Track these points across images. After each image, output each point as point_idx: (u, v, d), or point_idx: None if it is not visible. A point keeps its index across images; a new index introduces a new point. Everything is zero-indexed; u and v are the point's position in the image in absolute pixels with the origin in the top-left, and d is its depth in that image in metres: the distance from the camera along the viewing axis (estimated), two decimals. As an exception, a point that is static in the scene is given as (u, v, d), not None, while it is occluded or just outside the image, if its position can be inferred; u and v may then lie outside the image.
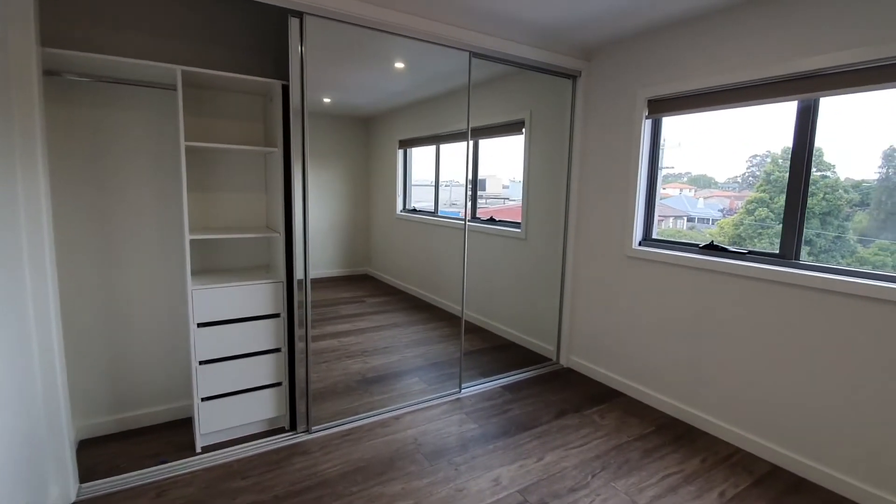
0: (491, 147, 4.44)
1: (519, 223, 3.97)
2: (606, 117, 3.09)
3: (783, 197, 2.34)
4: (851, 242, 2.24)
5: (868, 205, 2.17)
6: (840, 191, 2.26)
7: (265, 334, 2.44)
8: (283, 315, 2.48)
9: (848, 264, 2.19)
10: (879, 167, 2.12)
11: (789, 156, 2.32)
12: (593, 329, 3.30)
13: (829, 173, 2.27)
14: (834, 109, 2.21)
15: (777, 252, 2.36)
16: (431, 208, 5.36)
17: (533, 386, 3.19)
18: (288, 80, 2.27)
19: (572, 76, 3.24)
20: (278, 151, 2.40)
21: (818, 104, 2.18)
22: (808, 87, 2.16)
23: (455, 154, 5.06)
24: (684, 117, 2.77)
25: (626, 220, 3.00)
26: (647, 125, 2.87)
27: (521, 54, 2.88)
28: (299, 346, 2.46)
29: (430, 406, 2.88)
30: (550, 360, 3.60)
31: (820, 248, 2.31)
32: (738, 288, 2.43)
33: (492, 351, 3.82)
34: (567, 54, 3.06)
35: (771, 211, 2.50)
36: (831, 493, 2.11)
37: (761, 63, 2.29)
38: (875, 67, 1.95)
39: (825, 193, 2.28)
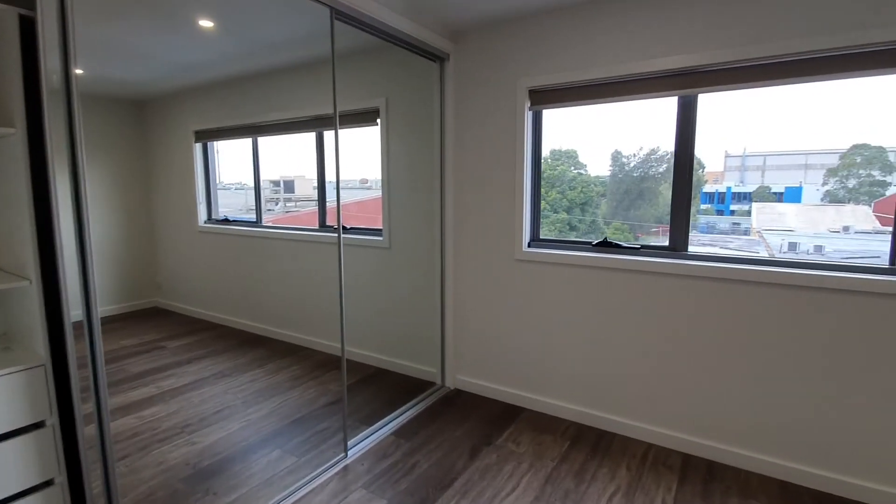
0: (309, 140, 3.71)
1: (379, 229, 3.39)
2: (484, 108, 2.78)
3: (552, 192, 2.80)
4: (601, 224, 2.78)
5: (605, 195, 2.80)
6: (591, 185, 2.79)
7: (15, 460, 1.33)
8: (52, 422, 1.40)
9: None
10: (610, 166, 2.72)
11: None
12: (483, 343, 2.98)
13: (583, 171, 2.85)
14: (591, 116, 2.63)
15: (667, 245, 2.41)
16: (249, 217, 4.28)
17: (427, 423, 2.69)
18: (34, 8, 1.25)
19: (439, 59, 2.82)
20: (18, 134, 1.32)
21: (696, 101, 2.26)
22: (685, 83, 2.21)
23: (276, 149, 4.14)
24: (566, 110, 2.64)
25: (513, 220, 2.75)
26: (529, 117, 2.66)
27: (386, 21, 2.32)
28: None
29: (313, 489, 2.12)
30: (434, 383, 3.15)
31: (582, 231, 2.84)
32: (635, 283, 2.41)
33: (363, 387, 3.17)
34: (434, 31, 2.63)
35: (548, 204, 2.90)
36: (742, 471, 2.23)
37: (643, 57, 2.27)
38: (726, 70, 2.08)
39: (582, 188, 2.82)
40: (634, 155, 2.63)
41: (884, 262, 1.96)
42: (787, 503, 2.00)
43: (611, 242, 2.54)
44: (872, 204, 2.15)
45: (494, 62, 2.71)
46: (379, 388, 3.15)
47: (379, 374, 3.36)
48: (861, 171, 2.13)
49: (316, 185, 3.90)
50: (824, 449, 2.05)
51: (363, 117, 3.32)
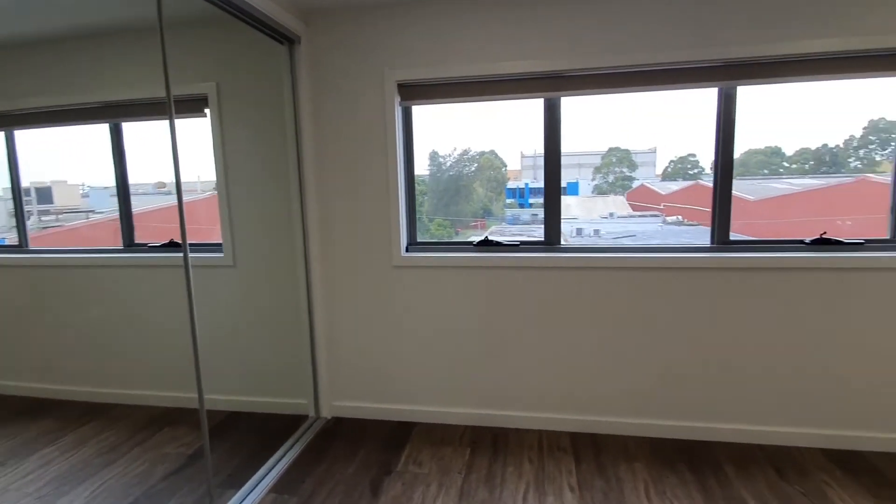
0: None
1: (216, 244, 2.78)
2: (348, 101, 2.48)
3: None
4: (425, 221, 2.82)
5: (427, 193, 2.87)
6: (416, 183, 2.76)
7: None
8: None
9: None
10: (428, 165, 2.80)
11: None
12: (363, 361, 2.70)
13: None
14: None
15: (543, 240, 2.53)
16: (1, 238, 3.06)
17: (312, 466, 2.31)
18: None
19: (289, 41, 2.42)
20: None
21: (560, 103, 2.41)
22: (551, 86, 2.34)
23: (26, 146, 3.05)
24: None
25: (388, 224, 2.54)
26: (399, 113, 2.48)
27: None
28: None
29: None
30: (307, 416, 2.74)
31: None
32: (516, 279, 2.47)
33: (218, 440, 2.57)
34: (281, 5, 2.23)
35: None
36: (619, 437, 2.47)
37: (514, 57, 2.32)
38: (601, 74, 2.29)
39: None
40: (449, 155, 2.75)
41: (677, 242, 2.42)
42: (659, 458, 2.29)
43: (491, 241, 2.56)
44: (625, 194, 2.61)
45: (359, 50, 2.44)
46: (239, 437, 2.59)
47: (234, 420, 2.77)
48: (616, 169, 2.58)
49: (85, 191, 3.07)
50: (677, 403, 2.42)
51: (184, 106, 2.67)
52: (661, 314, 2.37)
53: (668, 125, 2.49)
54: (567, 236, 2.63)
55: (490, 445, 2.45)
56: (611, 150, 2.74)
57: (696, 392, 2.40)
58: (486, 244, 2.55)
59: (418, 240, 2.67)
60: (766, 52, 2.09)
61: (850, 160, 2.49)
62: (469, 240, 2.63)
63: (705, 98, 2.33)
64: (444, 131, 2.73)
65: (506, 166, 2.89)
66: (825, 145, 2.46)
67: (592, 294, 2.41)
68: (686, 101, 2.41)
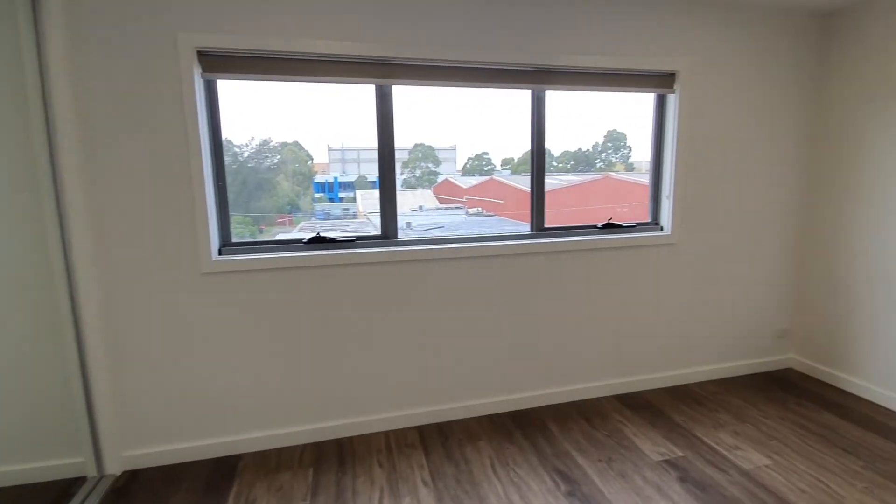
0: None
1: None
2: (127, 68, 1.91)
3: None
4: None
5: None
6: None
7: None
8: None
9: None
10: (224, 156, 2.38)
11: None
12: (164, 394, 2.16)
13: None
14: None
15: (380, 234, 2.42)
16: None
17: (102, 542, 1.75)
18: None
19: (21, -29, 1.73)
20: None
21: (392, 91, 2.32)
22: (381, 73, 2.24)
23: None
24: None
25: (194, 223, 2.08)
26: (201, 86, 2.03)
27: None
28: None
29: None
30: (85, 478, 2.07)
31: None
32: (355, 276, 2.32)
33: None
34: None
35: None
36: (461, 421, 2.55)
37: (335, 36, 2.13)
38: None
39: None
40: (247, 145, 2.51)
41: (456, 231, 2.69)
42: (498, 431, 2.45)
43: (324, 238, 2.33)
44: (432, 188, 2.85)
45: (138, 2, 1.90)
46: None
47: (-47, 511, 1.92)
48: (422, 164, 2.79)
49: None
50: (509, 378, 2.63)
51: None
52: (497, 298, 2.53)
53: (465, 125, 2.72)
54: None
55: (335, 459, 2.25)
56: (416, 146, 2.85)
57: (524, 365, 2.64)
58: (318, 241, 2.32)
59: (233, 240, 2.27)
60: (564, 63, 2.40)
61: (596, 161, 3.07)
62: (295, 237, 2.34)
63: (501, 100, 2.59)
64: (241, 118, 2.37)
65: (312, 159, 2.73)
66: (580, 149, 2.99)
67: (432, 285, 2.43)
68: (480, 103, 2.62)
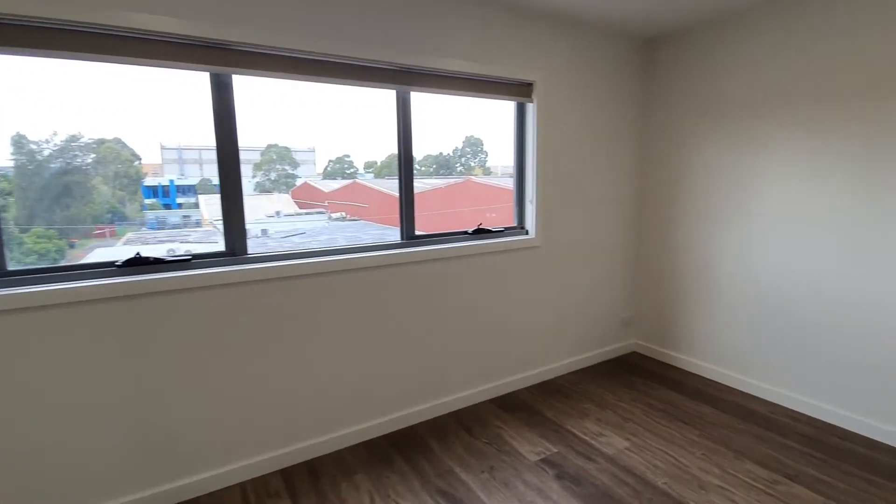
0: None
1: None
2: None
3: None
4: (14, 233, 1.90)
5: (11, 193, 1.95)
6: None
7: None
8: None
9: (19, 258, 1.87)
10: (13, 154, 1.90)
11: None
12: None
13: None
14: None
15: (224, 250, 2.03)
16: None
17: None
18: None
19: None
20: None
21: (231, 82, 1.96)
22: (217, 59, 1.88)
23: None
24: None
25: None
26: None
27: None
28: None
29: None
30: None
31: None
32: (190, 304, 1.91)
33: None
34: None
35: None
36: (334, 454, 2.29)
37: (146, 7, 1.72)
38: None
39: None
40: (48, 141, 2.00)
41: (319, 237, 2.53)
42: (376, 459, 2.26)
43: (145, 259, 1.87)
44: (290, 192, 2.70)
45: None
46: None
47: None
48: (277, 166, 2.62)
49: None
50: (382, 398, 2.45)
51: None
52: (366, 313, 2.33)
53: (325, 125, 2.53)
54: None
55: (178, 530, 1.82)
56: (270, 146, 2.57)
57: (398, 382, 2.49)
58: (137, 263, 1.85)
59: (8, 267, 1.69)
60: (431, 65, 2.31)
61: (457, 165, 3.12)
62: (107, 260, 1.84)
63: (364, 100, 2.43)
64: (40, 107, 1.83)
65: (140, 159, 2.27)
66: (441, 153, 3.00)
67: (290, 306, 2.13)
68: (341, 102, 2.44)
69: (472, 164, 3.38)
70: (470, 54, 2.45)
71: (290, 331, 2.14)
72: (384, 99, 2.41)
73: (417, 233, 2.52)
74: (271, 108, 2.34)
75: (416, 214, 2.51)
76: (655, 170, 3.27)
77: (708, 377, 3.09)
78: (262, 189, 2.64)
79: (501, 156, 3.32)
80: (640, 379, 3.10)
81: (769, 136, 2.64)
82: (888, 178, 2.22)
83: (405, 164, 2.42)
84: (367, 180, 2.92)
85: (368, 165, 2.94)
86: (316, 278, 2.17)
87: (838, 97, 2.35)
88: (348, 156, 2.78)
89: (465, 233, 2.68)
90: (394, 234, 2.52)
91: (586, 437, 2.42)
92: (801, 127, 2.50)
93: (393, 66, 2.25)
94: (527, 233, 2.87)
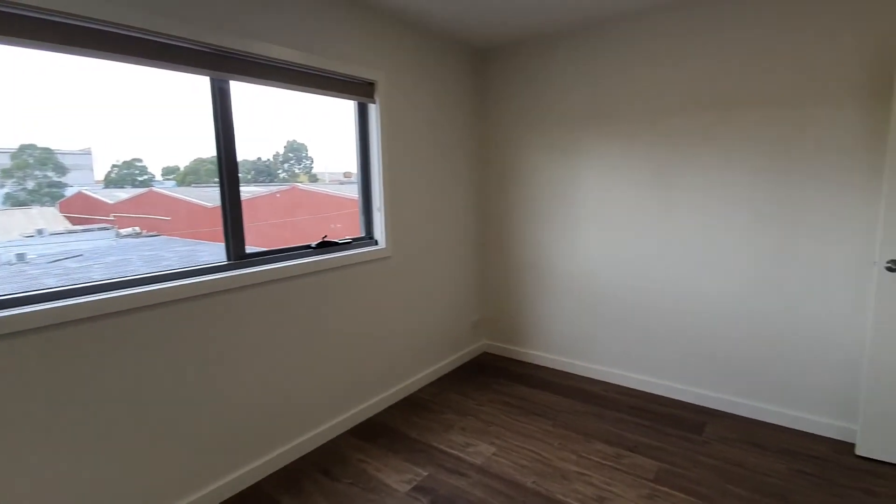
0: None
1: None
2: None
3: None
4: None
5: None
6: None
7: None
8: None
9: None
10: None
11: None
12: None
13: None
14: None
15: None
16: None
17: None
18: None
19: None
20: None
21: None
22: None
23: None
24: None
25: None
26: None
27: None
28: None
29: None
30: None
31: None
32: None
33: None
34: None
35: None
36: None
37: None
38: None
39: None
40: None
41: (106, 259, 2.07)
42: (212, 539, 1.79)
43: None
44: (57, 204, 2.24)
45: None
46: None
47: None
48: (37, 173, 2.12)
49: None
50: (222, 457, 1.97)
51: None
52: (188, 358, 1.83)
53: (106, 121, 2.00)
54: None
55: None
56: (24, 147, 1.97)
57: (234, 436, 2.04)
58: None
59: None
60: (257, 51, 1.94)
61: (279, 172, 2.85)
62: None
63: (162, 89, 1.97)
64: None
65: None
66: (260, 158, 2.70)
67: (62, 374, 1.54)
68: (133, 93, 1.95)
69: (297, 171, 3.09)
70: (304, 43, 2.16)
71: (66, 397, 1.55)
72: (191, 89, 1.96)
73: (250, 250, 2.10)
74: (25, 95, 1.71)
75: (246, 227, 2.10)
76: (493, 176, 3.41)
77: (551, 367, 3.32)
78: (14, 202, 2.04)
79: (330, 162, 3.10)
80: (495, 378, 3.18)
81: (588, 145, 2.96)
82: (672, 178, 2.67)
83: (228, 170, 2.00)
84: (169, 188, 2.39)
85: (168, 171, 2.43)
86: (101, 322, 1.62)
87: (639, 115, 2.75)
88: (139, 160, 2.28)
89: (309, 247, 2.36)
90: (208, 250, 2.08)
91: (454, 451, 2.34)
92: (614, 137, 2.86)
93: (208, 48, 1.83)
94: (376, 243, 2.68)
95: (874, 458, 2.18)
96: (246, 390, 2.05)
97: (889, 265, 2.03)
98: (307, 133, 2.86)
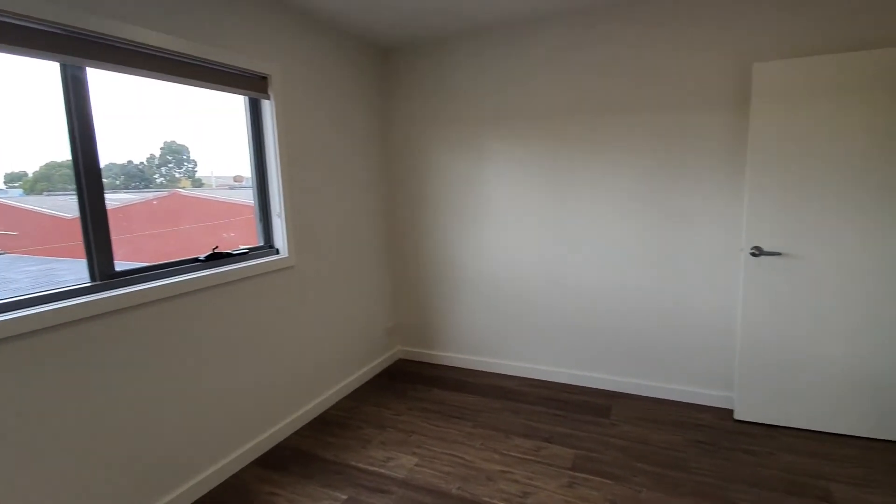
0: None
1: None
2: None
3: None
4: None
5: None
6: None
7: None
8: None
9: None
10: None
11: None
12: None
13: None
14: None
15: None
16: None
17: None
18: None
19: None
20: None
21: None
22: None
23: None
24: None
25: None
26: None
27: None
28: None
29: None
30: None
31: None
32: None
33: None
34: None
35: None
36: None
37: None
38: None
39: None
40: None
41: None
42: None
43: None
44: None
45: None
46: None
47: None
48: None
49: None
50: None
51: None
52: (30, 421, 1.49)
53: None
54: None
55: None
56: None
57: (111, 489, 1.72)
58: None
59: None
60: (122, 34, 1.65)
61: (155, 176, 2.55)
62: None
63: None
64: None
65: None
66: (130, 162, 2.40)
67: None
68: None
69: (178, 175, 2.76)
70: (184, 29, 1.89)
71: None
72: (38, 78, 1.62)
73: (122, 266, 1.79)
74: None
75: (116, 240, 1.78)
76: (403, 177, 3.33)
77: (467, 367, 3.33)
78: None
79: (217, 166, 2.82)
80: (412, 385, 3.10)
81: (493, 146, 3.00)
82: (567, 179, 2.82)
83: (87, 174, 1.68)
84: (14, 198, 1.98)
85: (13, 178, 2.01)
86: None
87: (538, 118, 2.85)
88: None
89: (197, 260, 2.08)
90: (69, 269, 1.74)
91: (374, 468, 2.21)
92: (516, 139, 2.93)
93: (60, 29, 1.52)
94: (277, 252, 2.45)
95: (748, 420, 2.48)
96: (122, 433, 1.74)
97: (753, 251, 2.33)
98: (188, 133, 2.54)
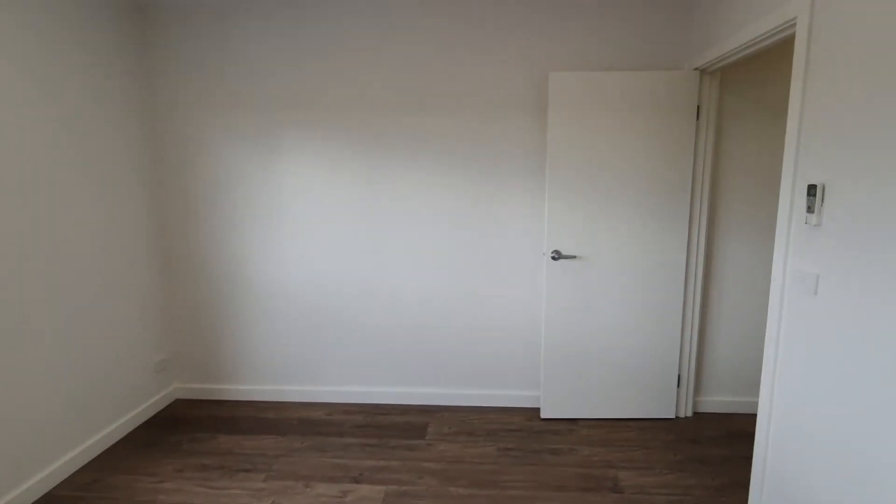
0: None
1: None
2: None
3: None
4: None
5: None
6: None
7: None
8: None
9: None
10: None
11: None
12: None
13: None
14: None
15: None
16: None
17: None
18: None
19: None
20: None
21: None
22: None
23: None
24: None
25: None
26: None
27: None
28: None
29: None
30: None
31: None
32: None
33: None
34: None
35: None
36: None
37: None
38: None
39: None
40: None
41: None
42: None
43: None
44: None
45: None
46: None
47: None
48: None
49: None
50: None
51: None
52: None
53: None
54: None
55: None
56: None
57: None
58: None
59: None
60: None
61: None
62: None
63: None
64: None
65: None
66: None
67: None
68: None
69: None
70: None
71: None
72: None
73: None
74: None
75: None
76: (175, 179, 2.61)
77: (268, 399, 2.79)
78: None
79: None
80: (188, 434, 2.44)
81: (288, 138, 2.54)
82: (377, 188, 2.55)
83: None
84: None
85: None
86: None
87: (347, 111, 2.49)
88: None
89: None
90: None
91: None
92: (317, 130, 2.52)
93: None
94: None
95: (553, 416, 2.55)
96: None
97: (553, 255, 2.38)
98: None
